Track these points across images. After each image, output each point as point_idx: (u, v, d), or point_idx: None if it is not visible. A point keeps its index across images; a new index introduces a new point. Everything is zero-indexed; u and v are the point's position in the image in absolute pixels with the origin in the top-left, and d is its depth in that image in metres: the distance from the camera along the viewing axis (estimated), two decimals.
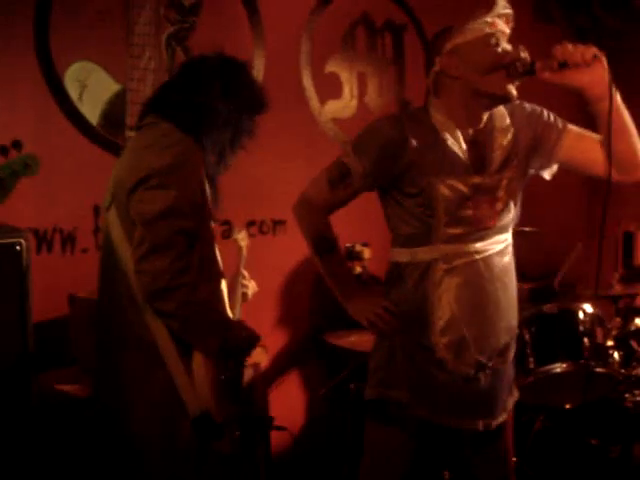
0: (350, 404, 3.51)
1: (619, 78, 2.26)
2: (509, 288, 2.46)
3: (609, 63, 2.24)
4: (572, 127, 2.47)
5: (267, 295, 4.14)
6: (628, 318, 3.78)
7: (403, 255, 2.45)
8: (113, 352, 2.29)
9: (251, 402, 3.42)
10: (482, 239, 2.38)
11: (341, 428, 3.65)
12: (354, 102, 4.43)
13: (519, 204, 2.48)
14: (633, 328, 3.66)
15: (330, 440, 4.00)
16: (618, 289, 3.94)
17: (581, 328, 3.33)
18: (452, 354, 2.36)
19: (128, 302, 2.20)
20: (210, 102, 2.35)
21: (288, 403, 4.22)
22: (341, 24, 4.36)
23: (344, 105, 4.40)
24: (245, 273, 2.85)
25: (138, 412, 2.21)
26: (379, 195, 2.54)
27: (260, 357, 3.53)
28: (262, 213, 4.07)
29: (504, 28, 2.35)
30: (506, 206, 2.42)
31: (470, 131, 2.37)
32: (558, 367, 3.21)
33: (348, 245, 4.22)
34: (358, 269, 4.21)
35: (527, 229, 3.76)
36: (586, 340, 3.28)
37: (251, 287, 2.86)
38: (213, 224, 2.44)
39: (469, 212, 2.34)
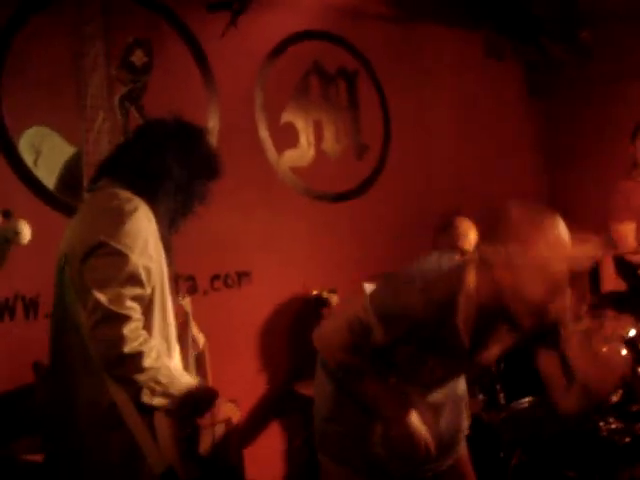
0: None
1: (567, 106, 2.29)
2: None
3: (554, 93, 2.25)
4: None
5: (238, 348, 4.13)
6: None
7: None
8: (67, 417, 2.24)
9: (222, 459, 3.38)
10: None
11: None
12: (311, 150, 4.46)
13: None
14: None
15: None
16: (587, 322, 3.95)
17: None
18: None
19: (82, 366, 2.18)
20: (164, 166, 2.35)
21: (266, 456, 4.18)
22: (294, 74, 4.42)
23: (301, 154, 4.43)
24: (194, 329, 2.89)
25: (97, 476, 2.18)
26: None
27: (231, 412, 3.49)
28: (226, 266, 4.07)
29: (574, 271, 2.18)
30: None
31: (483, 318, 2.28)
32: (528, 401, 3.21)
33: (316, 292, 4.23)
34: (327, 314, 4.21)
35: None
36: None
37: (200, 337, 2.90)
38: (169, 284, 2.39)
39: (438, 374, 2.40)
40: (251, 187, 4.16)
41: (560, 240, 2.15)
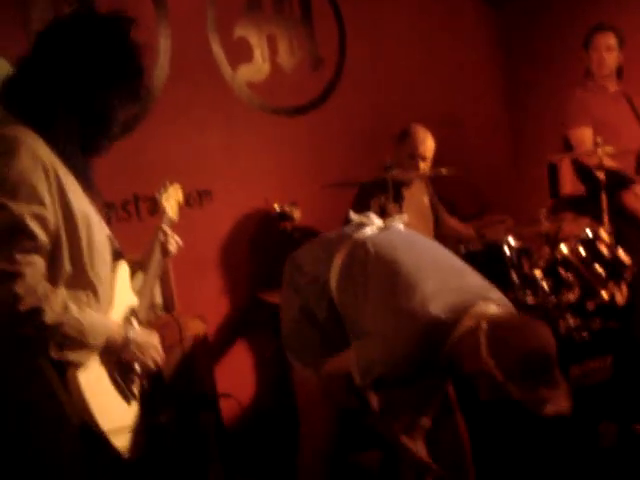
0: None
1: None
2: None
3: None
4: None
5: (203, 266, 4.16)
6: (555, 247, 3.87)
7: None
8: None
9: (192, 377, 3.43)
10: None
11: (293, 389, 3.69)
12: (266, 65, 4.42)
13: None
14: (560, 256, 3.75)
15: (284, 403, 4.04)
16: (546, 224, 4.03)
17: (507, 261, 3.42)
18: None
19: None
20: (52, 83, 2.09)
21: (237, 371, 4.26)
22: None
23: (256, 69, 4.39)
24: (166, 229, 2.63)
25: (28, 423, 2.09)
26: None
27: (199, 328, 3.54)
28: (187, 186, 4.00)
29: None
30: None
31: None
32: None
33: (278, 207, 4.25)
34: (289, 227, 4.25)
35: (446, 171, 3.82)
36: (513, 273, 3.37)
37: (173, 242, 2.63)
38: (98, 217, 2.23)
39: None
40: (207, 105, 4.13)
41: None
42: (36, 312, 1.95)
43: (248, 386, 4.36)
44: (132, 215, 3.80)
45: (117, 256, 2.33)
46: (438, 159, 4.11)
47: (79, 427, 2.06)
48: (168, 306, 3.47)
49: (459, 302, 2.30)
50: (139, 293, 2.44)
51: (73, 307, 2.03)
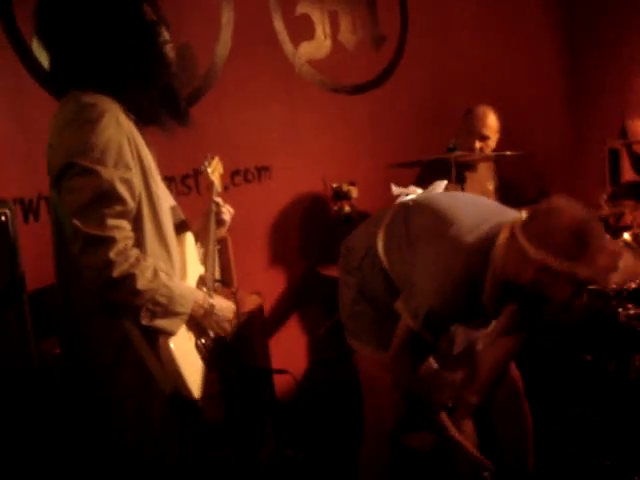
0: None
1: None
2: None
3: None
4: None
5: (260, 242, 4.18)
6: (617, 234, 3.82)
7: None
8: (76, 352, 2.18)
9: (250, 351, 3.46)
10: None
11: (345, 365, 3.70)
12: (328, 42, 4.40)
13: None
14: (622, 243, 3.69)
15: (334, 379, 4.06)
16: (606, 209, 3.97)
17: None
18: None
19: (88, 303, 2.07)
20: (126, 53, 2.10)
21: (290, 346, 4.28)
22: None
23: (318, 46, 4.36)
24: (218, 200, 2.61)
25: (113, 394, 2.12)
26: None
27: (255, 303, 3.56)
28: (245, 161, 4.07)
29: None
30: None
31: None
32: None
33: (335, 185, 4.24)
34: (347, 208, 4.24)
35: (510, 153, 3.78)
36: None
37: (226, 212, 2.62)
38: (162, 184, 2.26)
39: None
40: (268, 81, 4.13)
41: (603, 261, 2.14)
42: (129, 278, 1.96)
43: (301, 362, 4.38)
44: (192, 189, 3.82)
45: (183, 227, 2.35)
46: (499, 143, 4.08)
47: (170, 395, 2.08)
48: (226, 281, 3.49)
49: (494, 225, 2.31)
50: (203, 264, 2.47)
51: (162, 274, 2.05)
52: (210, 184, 2.63)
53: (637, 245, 3.64)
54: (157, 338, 2.06)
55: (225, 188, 3.95)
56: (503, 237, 2.25)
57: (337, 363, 3.95)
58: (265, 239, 4.20)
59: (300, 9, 4.29)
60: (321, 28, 4.37)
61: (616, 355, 3.36)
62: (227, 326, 2.31)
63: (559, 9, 5.60)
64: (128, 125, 2.07)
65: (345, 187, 4.23)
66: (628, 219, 4.15)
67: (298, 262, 4.34)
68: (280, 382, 3.79)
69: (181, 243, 2.30)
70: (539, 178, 5.18)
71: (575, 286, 2.16)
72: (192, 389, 2.11)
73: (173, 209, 2.30)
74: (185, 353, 2.13)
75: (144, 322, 2.02)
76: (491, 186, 4.25)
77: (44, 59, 3.34)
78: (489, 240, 2.28)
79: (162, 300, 2.03)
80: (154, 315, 2.03)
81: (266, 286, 4.04)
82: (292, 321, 4.36)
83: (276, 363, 3.73)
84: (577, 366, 3.46)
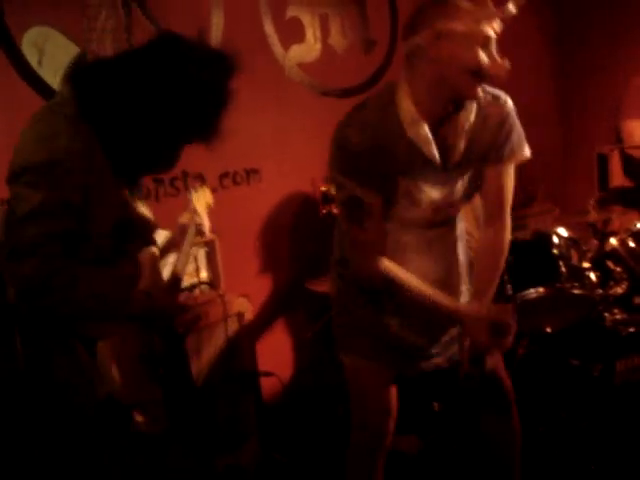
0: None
1: None
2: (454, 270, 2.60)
3: None
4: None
5: (248, 245, 4.17)
6: (604, 239, 3.83)
7: None
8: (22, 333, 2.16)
9: (235, 355, 3.46)
10: (440, 225, 2.50)
11: (332, 370, 3.71)
12: (318, 45, 4.40)
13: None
14: (609, 249, 3.71)
15: (322, 383, 4.06)
16: (594, 215, 3.98)
17: (556, 252, 3.38)
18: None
19: None
20: (139, 109, 2.04)
21: (276, 349, 4.27)
22: None
23: (308, 49, 4.36)
24: (198, 224, 2.65)
25: (49, 396, 2.13)
26: None
27: (243, 307, 3.56)
28: (234, 164, 4.07)
29: (497, 29, 2.24)
30: (461, 204, 2.52)
31: (433, 122, 2.30)
32: (535, 292, 3.26)
33: (323, 189, 4.24)
34: (335, 211, 4.23)
35: None
36: (562, 263, 3.34)
37: (205, 224, 2.67)
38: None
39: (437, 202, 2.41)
40: (258, 84, 4.11)
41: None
42: (70, 285, 1.98)
43: (288, 365, 4.38)
44: (180, 191, 3.81)
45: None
46: None
47: (105, 400, 2.08)
48: (214, 283, 3.50)
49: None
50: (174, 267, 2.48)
51: (99, 279, 2.06)
52: (192, 210, 2.68)
53: (624, 250, 3.66)
54: (93, 341, 2.07)
55: (214, 190, 3.97)
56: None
57: (324, 366, 3.96)
58: (254, 242, 4.19)
59: (290, 12, 4.29)
60: (311, 31, 4.37)
61: (602, 360, 3.38)
62: (172, 326, 2.31)
63: (548, 7, 5.60)
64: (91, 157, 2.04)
65: (333, 190, 4.22)
66: (616, 224, 4.17)
67: (287, 265, 4.33)
68: (267, 385, 3.79)
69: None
70: (528, 182, 5.19)
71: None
72: (127, 395, 2.10)
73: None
74: (124, 357, 2.13)
75: (80, 328, 2.05)
76: None
77: (33, 59, 3.38)
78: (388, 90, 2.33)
79: (96, 305, 2.03)
80: (89, 320, 2.05)
81: (254, 289, 4.03)
82: (279, 324, 4.35)
83: (263, 366, 3.73)
84: (564, 370, 3.46)
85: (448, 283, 2.53)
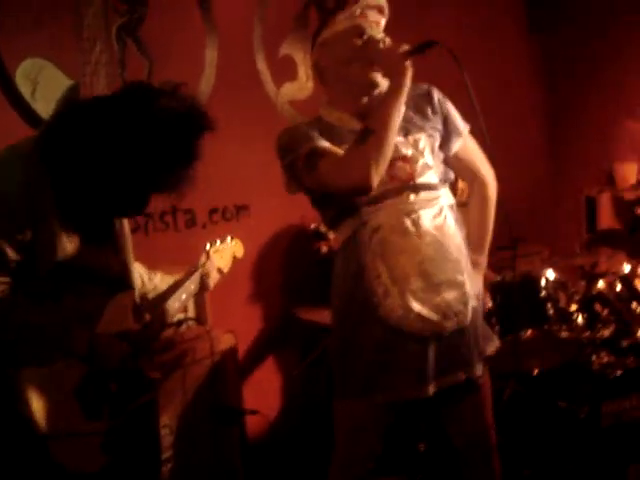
0: (325, 382, 3.53)
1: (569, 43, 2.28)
2: (445, 244, 2.47)
3: None
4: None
5: (236, 281, 4.15)
6: (592, 282, 3.84)
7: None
8: None
9: (220, 391, 3.42)
10: (405, 196, 2.44)
11: (319, 406, 3.68)
12: (310, 83, 4.42)
13: (442, 164, 2.58)
14: (596, 291, 3.72)
15: (309, 420, 4.04)
16: (582, 257, 4.00)
17: (544, 294, 3.39)
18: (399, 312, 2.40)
19: None
20: (98, 156, 1.99)
21: (264, 386, 4.25)
22: (293, 6, 4.35)
23: (300, 87, 4.39)
24: (209, 273, 2.66)
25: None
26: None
27: (230, 343, 3.54)
28: (224, 200, 4.08)
29: (377, 18, 2.45)
30: (422, 163, 2.48)
31: (360, 116, 2.47)
32: (523, 334, 3.26)
33: (313, 226, 4.24)
34: (324, 249, 4.23)
35: None
36: (549, 305, 3.34)
37: (213, 277, 2.66)
38: None
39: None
40: (249, 120, 4.14)
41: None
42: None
43: (274, 402, 4.35)
44: (169, 226, 3.81)
45: None
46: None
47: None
48: (201, 319, 3.48)
49: None
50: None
51: (37, 311, 2.07)
52: (206, 258, 2.67)
53: (611, 293, 3.67)
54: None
55: (203, 226, 4.00)
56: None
57: (312, 404, 3.94)
58: (243, 278, 4.18)
59: (283, 50, 4.33)
60: (303, 69, 4.40)
61: (589, 402, 3.37)
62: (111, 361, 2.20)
63: (539, 50, 5.62)
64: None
65: (323, 228, 4.23)
66: (603, 267, 4.18)
67: (275, 302, 4.33)
68: (253, 423, 3.76)
69: None
70: (515, 223, 5.20)
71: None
72: (43, 426, 2.06)
73: None
74: (49, 389, 2.10)
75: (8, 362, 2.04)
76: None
77: (27, 91, 3.40)
78: None
79: (29, 334, 2.04)
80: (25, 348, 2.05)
81: (242, 325, 4.01)
82: (267, 361, 4.33)
83: (250, 403, 3.70)
84: (551, 412, 3.45)
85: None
